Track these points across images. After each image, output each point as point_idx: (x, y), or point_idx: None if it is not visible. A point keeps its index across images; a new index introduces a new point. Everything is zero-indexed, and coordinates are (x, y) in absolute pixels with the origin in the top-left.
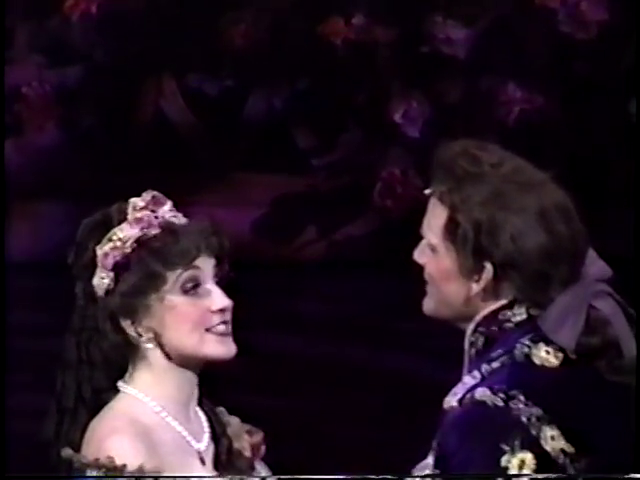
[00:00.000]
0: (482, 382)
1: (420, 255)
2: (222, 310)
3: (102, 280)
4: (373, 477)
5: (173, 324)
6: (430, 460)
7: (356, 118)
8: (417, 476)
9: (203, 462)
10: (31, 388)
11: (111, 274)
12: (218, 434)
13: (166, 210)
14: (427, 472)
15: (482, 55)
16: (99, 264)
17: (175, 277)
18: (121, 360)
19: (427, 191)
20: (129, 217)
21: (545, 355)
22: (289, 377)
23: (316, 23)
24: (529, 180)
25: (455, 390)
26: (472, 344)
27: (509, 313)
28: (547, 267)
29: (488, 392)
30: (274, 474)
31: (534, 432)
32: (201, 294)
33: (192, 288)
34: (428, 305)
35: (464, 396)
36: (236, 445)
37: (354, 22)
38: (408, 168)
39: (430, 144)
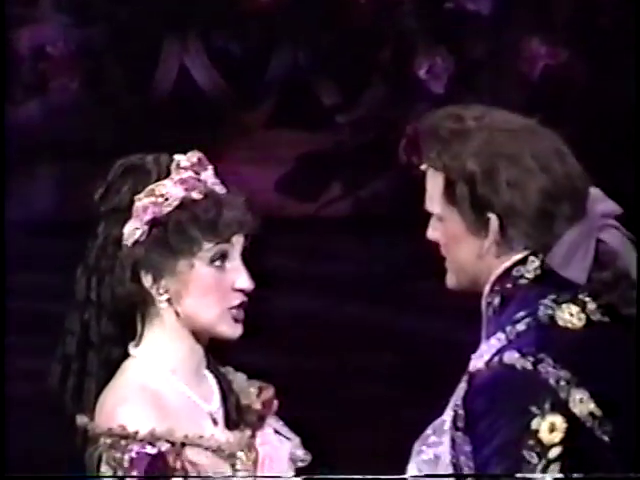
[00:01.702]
0: (509, 345)
1: (432, 232)
2: (242, 291)
3: (135, 230)
4: (373, 477)
5: (196, 293)
6: (446, 417)
7: (380, 74)
8: (418, 476)
9: (215, 422)
10: (31, 350)
11: (145, 227)
12: (226, 393)
13: (209, 175)
14: (445, 429)
15: (506, 11)
16: (135, 214)
17: (209, 247)
18: (129, 312)
19: (422, 167)
20: (173, 175)
21: (569, 317)
22: (311, 337)
23: None
24: (516, 126)
25: (480, 352)
26: (489, 304)
27: (522, 269)
28: (549, 206)
29: (517, 355)
30: (292, 430)
31: (563, 395)
32: (228, 269)
33: (221, 262)
34: (451, 280)
35: (491, 359)
36: (244, 401)
37: None
38: None
39: (455, 100)
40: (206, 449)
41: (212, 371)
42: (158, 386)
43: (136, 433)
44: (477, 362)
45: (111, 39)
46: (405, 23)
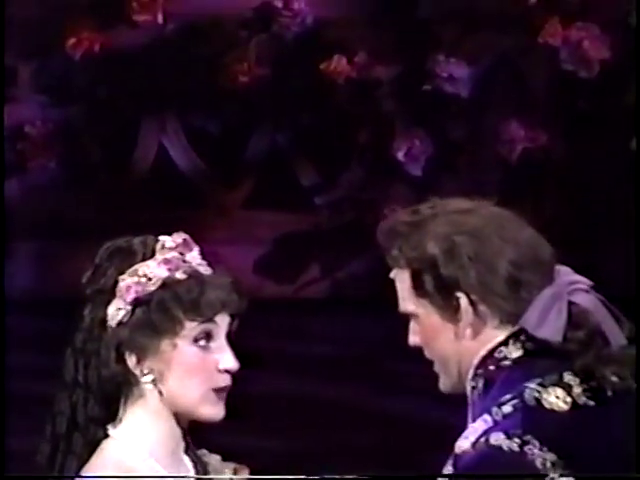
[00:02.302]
0: (495, 426)
1: (413, 337)
2: (228, 372)
3: (118, 311)
4: (372, 476)
5: (179, 373)
6: None
7: (359, 156)
8: (418, 476)
9: None
10: (30, 432)
11: (129, 307)
12: (200, 475)
13: (194, 256)
14: None
15: (485, 93)
16: (118, 294)
17: (192, 327)
18: (115, 393)
19: (392, 275)
20: (157, 255)
21: (555, 400)
22: (289, 417)
23: (319, 61)
24: (472, 206)
25: (466, 434)
26: (473, 388)
27: (505, 350)
28: (516, 275)
29: (503, 436)
30: None
31: (549, 478)
32: (212, 349)
33: (205, 341)
34: (444, 384)
35: (477, 440)
36: None
37: (356, 60)
38: (411, 205)
39: (433, 182)
40: None
41: (189, 454)
42: (134, 465)
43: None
44: (463, 443)
45: (89, 119)
46: (384, 105)
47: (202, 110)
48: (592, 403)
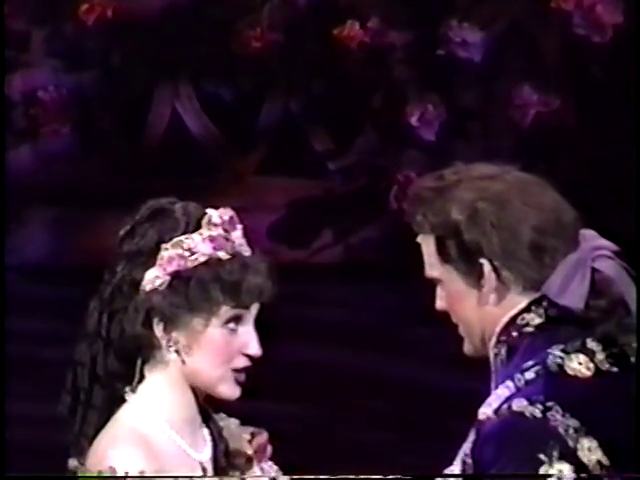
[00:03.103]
0: (518, 393)
1: (439, 302)
2: (249, 356)
3: (156, 278)
4: (377, 477)
5: (205, 351)
6: (454, 467)
7: (372, 121)
8: (420, 477)
9: (205, 472)
10: (30, 395)
11: (167, 278)
12: (216, 441)
13: (238, 235)
14: None
15: (497, 58)
16: (158, 263)
17: (226, 309)
18: (135, 353)
19: (418, 239)
20: (203, 230)
21: (578, 366)
22: (304, 384)
23: (332, 27)
24: (496, 172)
25: (489, 400)
26: (496, 355)
27: (527, 317)
28: (540, 241)
29: (525, 403)
30: (287, 476)
31: (571, 443)
32: (240, 333)
33: (235, 324)
34: (467, 347)
35: (500, 406)
36: (234, 445)
37: (369, 26)
38: (424, 171)
39: (446, 147)
40: None
41: (210, 426)
42: (150, 432)
43: (125, 475)
44: (485, 410)
45: (102, 85)
46: (397, 71)
47: (215, 76)
48: (615, 369)
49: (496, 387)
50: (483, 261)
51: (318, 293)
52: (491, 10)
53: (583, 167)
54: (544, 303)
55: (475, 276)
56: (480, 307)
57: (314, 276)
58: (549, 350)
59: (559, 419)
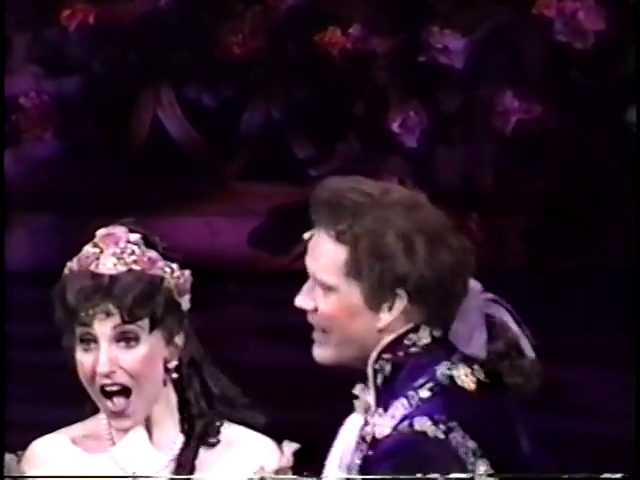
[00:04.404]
0: (416, 411)
1: (306, 300)
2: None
3: None
4: (380, 477)
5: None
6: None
7: (354, 128)
8: (422, 477)
9: None
10: (30, 401)
11: None
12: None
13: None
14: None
15: (479, 65)
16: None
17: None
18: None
19: (306, 235)
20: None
21: (464, 378)
22: (285, 389)
23: (313, 33)
24: (415, 202)
25: (382, 420)
26: (377, 372)
27: (414, 337)
28: (451, 282)
29: (429, 422)
30: None
31: (470, 467)
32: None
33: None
34: (324, 353)
35: (398, 425)
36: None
37: (351, 32)
38: (406, 177)
39: (428, 153)
40: None
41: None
42: None
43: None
44: (381, 429)
45: (84, 90)
46: (378, 77)
47: (197, 82)
48: (488, 381)
49: (381, 405)
50: (401, 292)
51: None
52: (473, 17)
53: (565, 173)
54: (433, 322)
55: (381, 301)
56: (370, 327)
57: (296, 282)
58: (436, 367)
59: (460, 441)
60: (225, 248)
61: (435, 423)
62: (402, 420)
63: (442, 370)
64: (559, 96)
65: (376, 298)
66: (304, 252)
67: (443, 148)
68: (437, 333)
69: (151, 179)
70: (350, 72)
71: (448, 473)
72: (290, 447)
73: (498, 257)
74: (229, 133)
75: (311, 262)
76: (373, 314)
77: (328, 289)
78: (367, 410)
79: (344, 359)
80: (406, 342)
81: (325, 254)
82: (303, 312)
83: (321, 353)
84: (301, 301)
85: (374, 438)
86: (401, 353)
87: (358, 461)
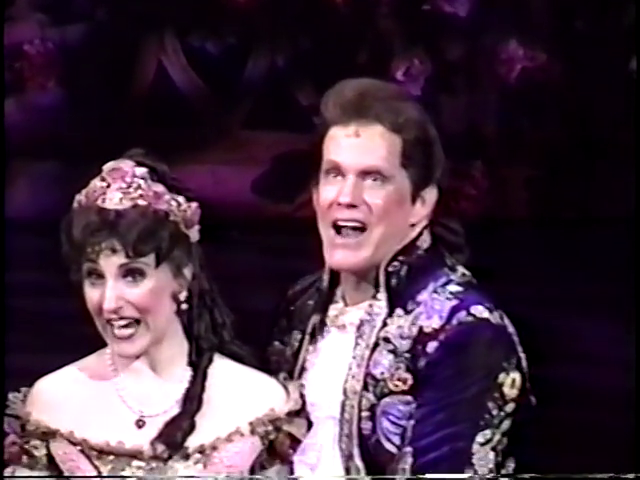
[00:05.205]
0: (461, 303)
1: (355, 197)
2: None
3: None
4: (382, 477)
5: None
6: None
7: (358, 76)
8: (424, 478)
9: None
10: (30, 348)
11: None
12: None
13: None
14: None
15: (484, 13)
16: None
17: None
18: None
19: (368, 129)
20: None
21: (468, 273)
22: None
23: None
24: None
25: (429, 314)
26: (391, 273)
27: (421, 239)
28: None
29: (483, 308)
30: None
31: (520, 351)
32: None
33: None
34: (359, 255)
35: (450, 317)
36: None
37: None
38: None
39: (432, 102)
40: None
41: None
42: None
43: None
44: (432, 323)
45: (89, 38)
46: (382, 25)
47: (201, 30)
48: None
49: (401, 305)
50: (433, 186)
51: (303, 247)
52: None
53: (568, 122)
54: (432, 227)
55: (421, 191)
56: (406, 220)
57: (299, 229)
58: (442, 268)
59: (512, 327)
60: (229, 196)
61: (490, 310)
62: (452, 312)
63: (450, 269)
64: (563, 45)
65: (420, 188)
66: (308, 200)
67: (447, 96)
68: (437, 231)
69: (155, 127)
70: (354, 20)
71: (507, 357)
72: (296, 388)
73: (502, 206)
74: (233, 81)
75: (362, 156)
76: (410, 208)
77: (383, 180)
78: (371, 314)
79: (377, 259)
80: (418, 244)
81: (382, 145)
82: (306, 258)
83: (351, 256)
84: (348, 198)
85: (422, 332)
86: (415, 255)
87: (421, 357)
